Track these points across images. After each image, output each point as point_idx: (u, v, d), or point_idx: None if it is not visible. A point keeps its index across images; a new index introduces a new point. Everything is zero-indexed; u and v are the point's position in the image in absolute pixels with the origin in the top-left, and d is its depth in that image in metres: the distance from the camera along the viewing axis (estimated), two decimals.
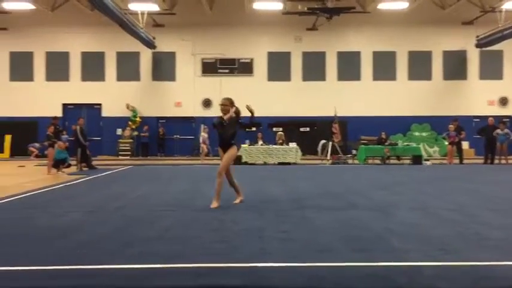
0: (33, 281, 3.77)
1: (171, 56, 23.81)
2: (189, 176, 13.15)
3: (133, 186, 10.50)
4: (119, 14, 17.53)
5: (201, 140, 19.97)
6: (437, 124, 22.37)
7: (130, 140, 22.91)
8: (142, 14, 20.44)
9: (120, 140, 22.93)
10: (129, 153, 22.52)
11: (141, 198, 8.65)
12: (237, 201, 7.65)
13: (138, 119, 23.27)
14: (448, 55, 23.82)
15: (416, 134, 23.25)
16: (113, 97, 23.40)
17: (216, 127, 7.54)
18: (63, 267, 4.09)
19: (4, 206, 7.84)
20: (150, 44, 22.05)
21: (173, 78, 23.92)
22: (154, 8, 20.24)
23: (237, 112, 7.51)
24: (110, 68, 23.79)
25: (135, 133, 23.15)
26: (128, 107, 23.30)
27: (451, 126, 18.31)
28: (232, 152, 7.50)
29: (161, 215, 6.76)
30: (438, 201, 7.99)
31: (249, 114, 7.69)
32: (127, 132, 23.01)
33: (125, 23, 18.30)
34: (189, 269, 4.04)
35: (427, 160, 19.49)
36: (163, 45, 23.17)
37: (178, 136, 23.78)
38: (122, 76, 23.72)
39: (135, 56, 23.61)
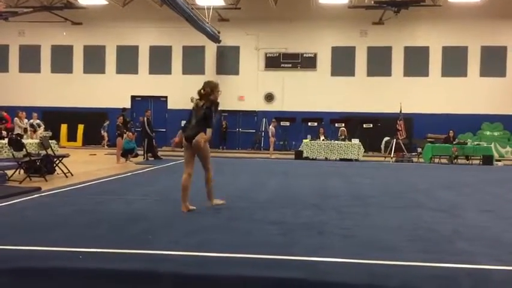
0: (102, 263, 3.99)
1: (235, 50, 24.10)
2: (251, 169, 13.29)
3: (195, 177, 10.74)
4: (186, 9, 17.97)
5: (270, 134, 20.15)
6: (510, 123, 21.22)
7: None
8: (208, 8, 20.82)
9: None
10: None
11: (203, 189, 8.85)
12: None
13: None
14: None
15: (488, 133, 22.17)
16: (178, 90, 24.03)
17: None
18: (133, 251, 4.29)
19: (78, 192, 8.30)
20: (215, 38, 22.43)
21: (237, 72, 24.22)
22: (220, 2, 20.55)
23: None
24: (176, 61, 24.45)
25: None
26: (192, 100, 23.76)
27: None
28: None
29: (226, 206, 6.88)
30: (508, 204, 7.60)
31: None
32: None
33: (191, 18, 18.73)
34: (251, 260, 4.11)
35: (499, 161, 18.53)
36: (228, 39, 23.49)
37: (240, 129, 24.09)
38: (187, 69, 24.33)
39: (201, 50, 24.11)
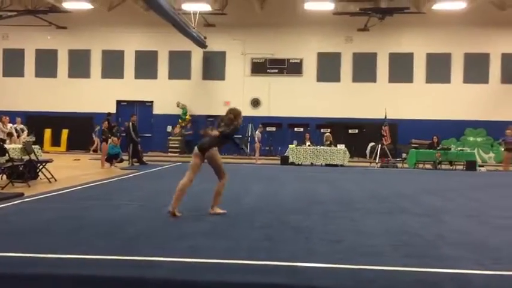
0: (89, 270, 3.95)
1: (222, 55, 24.12)
2: (236, 175, 13.28)
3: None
4: (172, 14, 17.94)
5: (256, 139, 20.17)
6: (493, 129, 21.52)
7: (180, 138, 23.38)
8: (194, 14, 20.82)
9: (170, 137, 23.45)
10: (178, 150, 23.00)
11: (190, 194, 8.82)
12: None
13: (187, 117, 23.73)
14: (506, 58, 22.84)
15: (471, 139, 22.46)
16: (164, 95, 23.98)
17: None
18: (119, 257, 4.26)
19: (62, 197, 8.22)
20: (201, 44, 22.43)
21: (223, 77, 24.23)
22: (206, 8, 20.56)
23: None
24: (162, 66, 24.39)
25: (189, 132, 23.54)
26: (178, 104, 23.81)
27: (509, 132, 17.54)
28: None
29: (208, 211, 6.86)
30: (492, 209, 7.72)
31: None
32: (177, 130, 23.51)
33: (177, 23, 18.70)
34: (238, 265, 4.11)
35: (482, 166, 18.77)
36: (214, 44, 23.51)
37: None
38: (173, 74, 24.28)
39: (187, 55, 24.09)
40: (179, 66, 24.17)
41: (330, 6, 20.16)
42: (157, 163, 16.78)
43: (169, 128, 23.87)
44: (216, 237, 5.21)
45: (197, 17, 21.03)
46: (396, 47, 23.24)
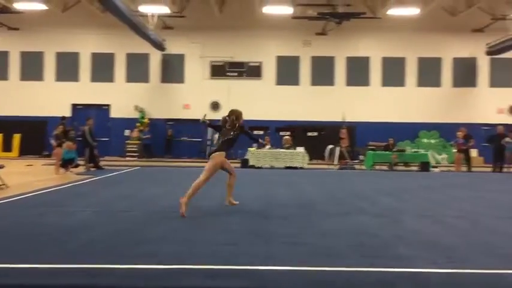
0: (42, 279, 3.80)
1: (180, 58, 23.91)
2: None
3: (140, 187, 10.55)
4: (129, 16, 17.65)
5: (215, 142, 20.07)
6: (446, 131, 22.27)
7: (138, 142, 23.01)
8: (153, 16, 20.56)
9: (128, 141, 23.03)
10: (136, 154, 22.61)
11: (149, 199, 8.69)
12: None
13: (146, 120, 23.38)
14: (458, 62, 23.73)
15: (425, 140, 23.15)
16: (122, 98, 23.54)
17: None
18: (72, 266, 4.12)
19: (14, 204, 7.90)
20: (159, 46, 22.17)
21: (182, 80, 24.02)
22: (165, 10, 20.34)
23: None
24: (120, 69, 23.95)
25: (148, 136, 23.19)
26: (136, 108, 23.42)
27: (460, 134, 18.23)
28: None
29: (169, 216, 6.78)
30: (445, 209, 7.96)
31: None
32: (135, 134, 23.11)
33: (134, 25, 18.42)
34: (196, 271, 4.06)
35: (435, 167, 19.39)
36: (173, 47, 23.29)
37: (186, 138, 23.86)
38: (131, 77, 23.87)
39: (145, 57, 23.75)
40: (137, 69, 23.79)
41: (289, 10, 20.35)
42: (114, 168, 16.43)
43: (127, 132, 23.44)
44: (174, 242, 5.13)
45: (155, 19, 20.79)
46: (353, 51, 23.70)
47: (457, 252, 4.83)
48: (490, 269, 4.22)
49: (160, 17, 21.48)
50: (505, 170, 17.81)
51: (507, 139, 17.67)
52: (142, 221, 6.31)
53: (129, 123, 23.35)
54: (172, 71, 23.96)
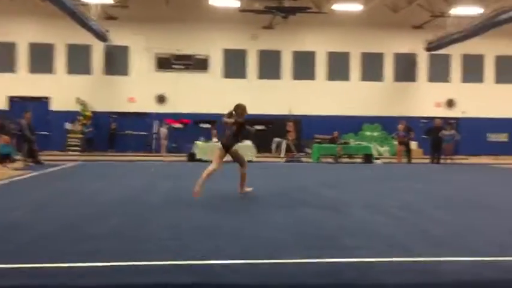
0: None
1: (125, 50, 23.32)
2: (142, 173, 12.94)
3: (83, 182, 10.23)
4: (70, 5, 16.98)
5: (162, 136, 19.76)
6: (387, 124, 23.02)
7: (80, 135, 22.26)
8: (95, 5, 19.90)
9: (69, 135, 22.23)
10: (78, 148, 21.88)
11: (91, 194, 8.43)
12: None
13: (88, 113, 22.64)
14: (398, 57, 24.56)
15: (368, 133, 23.82)
16: (63, 90, 22.68)
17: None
18: (13, 266, 3.93)
19: None
20: (102, 37, 21.49)
21: (126, 72, 23.45)
22: (108, 0, 19.74)
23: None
24: (60, 60, 23.04)
25: (90, 129, 22.49)
26: (77, 101, 22.64)
27: (400, 126, 18.90)
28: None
29: (114, 211, 6.61)
30: (387, 199, 8.23)
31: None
32: (78, 127, 22.34)
33: (75, 15, 17.75)
34: (142, 267, 3.98)
35: (378, 159, 20.02)
36: (117, 38, 22.65)
37: (131, 132, 23.32)
38: (72, 69, 23.04)
39: (87, 48, 22.98)
40: (78, 61, 22.99)
41: (236, 4, 20.30)
42: (55, 163, 15.81)
43: (68, 126, 22.61)
44: (119, 239, 5.00)
45: (98, 9, 20.13)
46: (299, 46, 23.99)
47: (398, 241, 5.00)
48: (427, 256, 4.40)
49: (104, 6, 20.83)
50: (442, 161, 18.64)
51: (444, 132, 18.48)
52: (83, 218, 6.10)
53: (71, 116, 22.55)
54: (117, 63, 23.33)
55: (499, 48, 24.28)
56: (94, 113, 22.85)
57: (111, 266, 3.98)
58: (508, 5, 17.42)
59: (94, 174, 12.29)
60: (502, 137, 24.91)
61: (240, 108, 8.24)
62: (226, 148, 8.12)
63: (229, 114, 8.22)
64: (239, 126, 8.11)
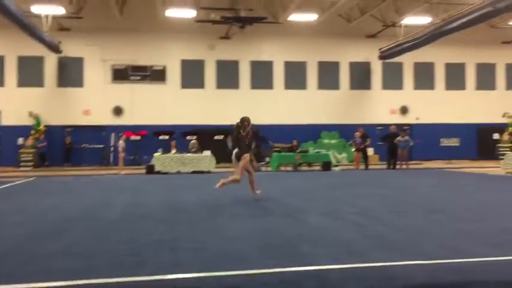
0: None
1: (79, 61, 22.81)
2: (99, 187, 12.62)
3: (36, 199, 9.87)
4: (20, 16, 16.47)
5: (120, 149, 19.34)
6: (345, 132, 23.43)
7: (33, 150, 21.52)
8: (47, 17, 19.39)
9: (22, 150, 21.46)
10: (31, 164, 21.13)
11: (46, 211, 8.15)
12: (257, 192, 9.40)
13: (41, 127, 21.95)
14: (354, 66, 25.11)
15: (326, 141, 24.17)
16: (14, 104, 21.95)
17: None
18: None
19: None
20: (55, 49, 20.95)
21: (81, 84, 22.93)
22: (60, 11, 19.27)
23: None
24: (11, 73, 22.31)
25: (43, 144, 21.77)
26: (30, 114, 21.92)
27: (357, 134, 19.30)
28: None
29: (68, 228, 6.40)
30: (345, 206, 8.34)
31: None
32: (29, 142, 21.59)
33: (26, 26, 17.22)
34: (99, 285, 3.85)
35: (336, 166, 20.34)
36: (70, 50, 22.14)
37: (87, 145, 22.75)
38: (23, 82, 22.33)
39: (39, 60, 22.35)
40: (30, 73, 22.31)
41: (192, 14, 20.25)
42: (6, 179, 15.21)
43: (20, 140, 21.83)
44: (74, 256, 4.84)
45: (50, 20, 19.63)
46: (257, 55, 24.16)
47: (356, 247, 5.07)
48: (384, 261, 4.47)
49: (56, 17, 20.33)
50: (397, 166, 19.12)
51: (399, 138, 18.98)
52: (34, 237, 5.87)
53: (23, 130, 21.79)
54: (70, 74, 22.80)
55: (449, 56, 25.25)
56: (48, 126, 22.18)
57: (60, 286, 3.84)
58: (455, 14, 18.16)
59: (47, 190, 11.89)
60: (454, 142, 25.85)
61: (246, 121, 9.29)
62: (238, 157, 9.19)
63: (237, 128, 9.22)
64: (251, 136, 9.25)
